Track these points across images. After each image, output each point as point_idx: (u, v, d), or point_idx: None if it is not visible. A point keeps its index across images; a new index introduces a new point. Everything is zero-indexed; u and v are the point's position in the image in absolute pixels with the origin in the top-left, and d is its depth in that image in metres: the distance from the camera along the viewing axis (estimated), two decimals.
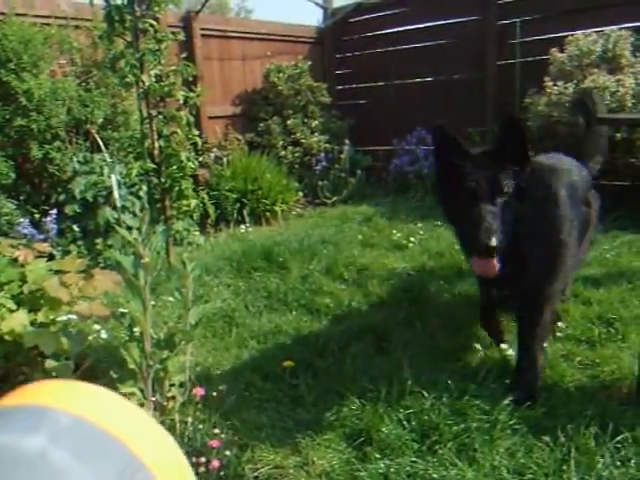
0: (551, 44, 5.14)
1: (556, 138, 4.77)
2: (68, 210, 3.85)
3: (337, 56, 7.46)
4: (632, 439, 1.70)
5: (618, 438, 1.70)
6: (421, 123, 6.16)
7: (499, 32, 5.93)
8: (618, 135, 4.46)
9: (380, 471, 1.69)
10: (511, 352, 2.31)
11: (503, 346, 2.37)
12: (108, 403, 0.52)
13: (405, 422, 1.89)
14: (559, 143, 4.65)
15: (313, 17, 21.65)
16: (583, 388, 2.10)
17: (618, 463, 1.61)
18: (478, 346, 2.43)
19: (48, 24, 4.29)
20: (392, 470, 1.68)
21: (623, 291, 2.96)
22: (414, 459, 1.72)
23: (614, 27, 4.87)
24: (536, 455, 1.70)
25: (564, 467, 1.62)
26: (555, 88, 4.80)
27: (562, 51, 4.99)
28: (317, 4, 7.48)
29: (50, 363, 1.95)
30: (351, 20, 7.30)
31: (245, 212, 5.35)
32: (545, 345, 2.21)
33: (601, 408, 1.90)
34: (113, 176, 3.38)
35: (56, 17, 4.41)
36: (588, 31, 4.95)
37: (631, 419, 1.80)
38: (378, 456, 1.75)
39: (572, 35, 5.00)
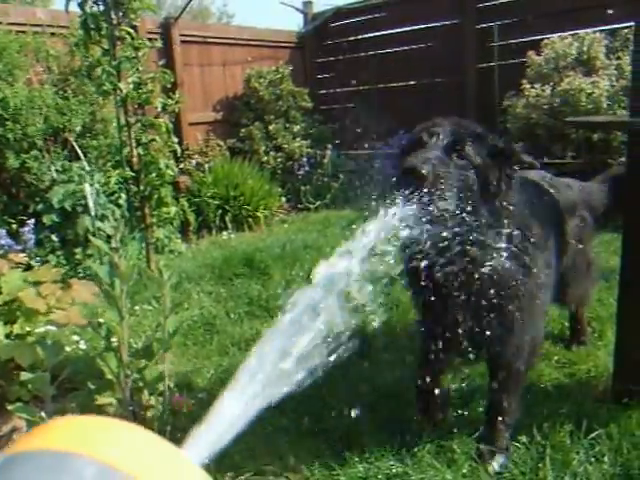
0: (529, 47, 5.22)
1: (535, 140, 4.84)
2: (46, 220, 3.80)
3: (318, 61, 7.49)
4: (606, 435, 1.73)
5: (593, 435, 1.72)
6: (403, 126, 6.20)
7: (478, 36, 6.01)
8: (595, 136, 4.54)
9: (359, 475, 1.70)
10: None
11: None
12: (144, 446, 0.44)
13: (384, 425, 1.90)
14: (538, 145, 4.73)
15: (294, 22, 21.77)
16: (560, 386, 2.13)
17: (592, 459, 1.64)
18: None
19: (24, 32, 4.25)
20: (371, 473, 1.69)
21: (600, 290, 2.98)
22: (393, 462, 1.73)
23: (589, 30, 4.96)
24: (513, 454, 1.72)
25: (540, 465, 1.64)
26: (533, 90, 4.88)
27: (539, 54, 5.07)
28: (297, 9, 7.51)
29: (26, 375, 1.92)
30: (331, 25, 7.34)
31: (227, 218, 5.34)
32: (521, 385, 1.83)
33: (577, 406, 1.93)
34: (86, 185, 3.35)
35: (32, 25, 4.37)
36: (564, 34, 5.04)
37: (605, 416, 1.83)
38: (357, 460, 1.76)
39: (548, 38, 5.08)
